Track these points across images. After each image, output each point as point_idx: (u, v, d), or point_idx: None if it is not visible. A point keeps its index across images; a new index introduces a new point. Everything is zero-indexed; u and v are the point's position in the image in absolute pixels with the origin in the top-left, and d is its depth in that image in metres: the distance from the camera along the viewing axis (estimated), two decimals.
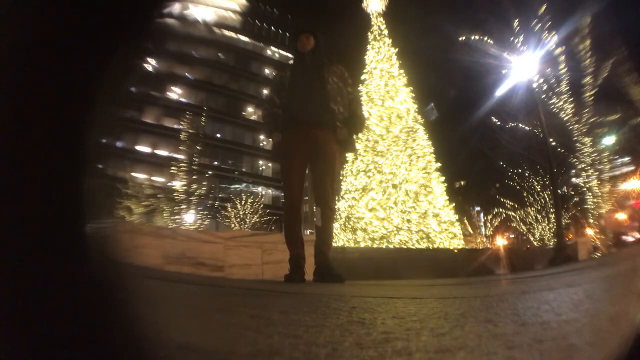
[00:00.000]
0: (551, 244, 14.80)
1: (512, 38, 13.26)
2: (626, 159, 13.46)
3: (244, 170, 32.28)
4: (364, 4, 13.02)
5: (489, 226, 22.71)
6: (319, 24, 3.12)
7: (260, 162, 33.54)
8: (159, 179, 21.22)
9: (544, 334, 0.66)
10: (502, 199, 19.26)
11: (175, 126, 23.48)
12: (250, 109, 33.90)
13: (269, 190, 31.93)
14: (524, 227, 18.45)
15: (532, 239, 18.05)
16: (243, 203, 23.66)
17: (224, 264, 4.12)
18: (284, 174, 2.89)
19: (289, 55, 34.75)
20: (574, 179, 15.20)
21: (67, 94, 0.53)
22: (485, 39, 13.71)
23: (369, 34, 12.61)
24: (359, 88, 11.57)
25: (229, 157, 31.26)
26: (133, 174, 21.17)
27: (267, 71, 34.55)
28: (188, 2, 28.88)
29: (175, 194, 18.53)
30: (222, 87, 32.30)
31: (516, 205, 18.47)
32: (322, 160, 2.78)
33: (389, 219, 10.02)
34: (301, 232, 2.89)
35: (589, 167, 13.60)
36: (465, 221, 19.87)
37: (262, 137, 33.06)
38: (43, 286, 0.48)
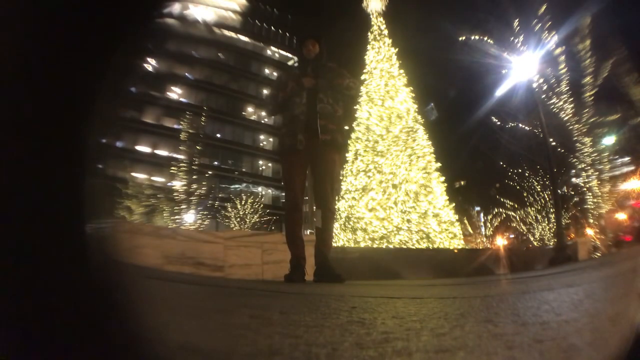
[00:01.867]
0: (551, 244, 14.80)
1: (512, 38, 13.29)
2: (626, 159, 13.47)
3: (244, 170, 32.29)
4: (364, 4, 13.03)
5: (489, 226, 22.73)
6: (324, 29, 3.16)
7: (260, 162, 33.55)
8: (159, 179, 21.23)
9: (544, 334, 0.66)
10: (502, 199, 19.29)
11: (175, 126, 23.51)
12: (250, 109, 33.92)
13: (269, 190, 31.94)
14: (524, 227, 18.46)
15: (532, 239, 18.06)
16: (243, 203, 23.67)
17: (224, 264, 4.12)
18: (285, 175, 2.94)
19: (289, 55, 34.79)
20: (574, 179, 15.21)
21: (67, 94, 0.53)
22: (485, 39, 13.72)
23: (369, 34, 12.62)
24: (360, 93, 11.57)
25: (229, 157, 31.28)
26: (133, 174, 21.18)
27: (267, 71, 34.55)
28: (188, 2, 28.89)
29: (175, 194, 18.54)
30: (222, 87, 32.31)
31: (516, 205, 18.49)
32: (322, 163, 2.85)
33: (389, 219, 10.02)
34: (302, 233, 2.92)
35: (589, 167, 13.61)
36: (465, 221, 19.88)
37: (262, 136, 33.13)
38: (43, 286, 0.48)
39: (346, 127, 3.18)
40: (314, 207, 2.95)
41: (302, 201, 2.94)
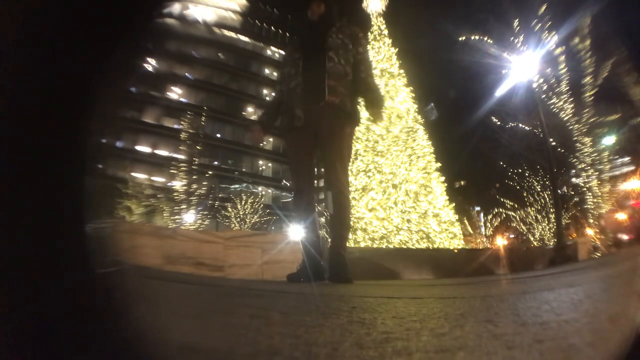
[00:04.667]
0: (551, 244, 14.80)
1: (512, 38, 13.27)
2: (626, 159, 13.45)
3: (244, 170, 32.27)
4: (364, 4, 13.04)
5: (489, 226, 22.71)
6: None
7: (260, 162, 33.54)
8: (159, 179, 21.23)
9: (544, 334, 0.66)
10: (502, 199, 19.28)
11: (175, 126, 23.51)
12: (250, 109, 33.92)
13: (269, 190, 31.93)
14: (524, 227, 18.44)
15: (532, 239, 18.05)
16: (243, 203, 23.65)
17: (224, 264, 4.12)
18: (288, 159, 2.67)
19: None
20: (574, 179, 15.19)
21: (66, 93, 0.53)
22: (485, 39, 13.72)
23: (369, 34, 12.62)
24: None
25: (229, 157, 31.25)
26: (133, 174, 21.19)
27: (267, 71, 34.56)
28: (188, 2, 28.89)
29: (175, 194, 18.54)
30: (222, 87, 32.30)
31: (516, 205, 18.48)
32: (330, 133, 2.49)
33: (389, 219, 10.02)
34: (316, 226, 2.59)
35: (589, 167, 13.60)
36: (465, 221, 19.87)
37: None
38: (43, 286, 0.48)
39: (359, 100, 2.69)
40: (326, 193, 2.53)
41: (310, 185, 2.58)
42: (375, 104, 2.65)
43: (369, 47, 12.20)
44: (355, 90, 2.60)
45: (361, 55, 2.65)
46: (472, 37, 13.99)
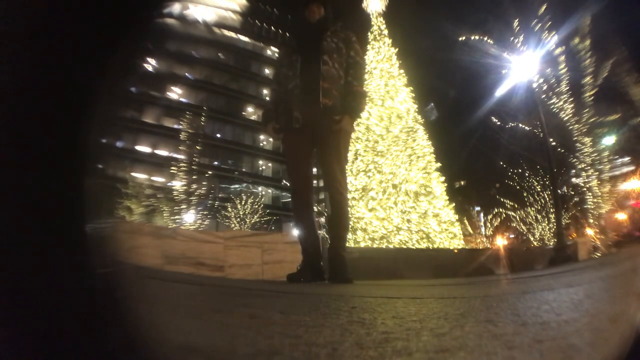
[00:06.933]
0: (551, 244, 14.79)
1: (512, 38, 13.26)
2: (626, 159, 13.44)
3: (244, 170, 32.26)
4: (364, 4, 13.04)
5: (489, 226, 22.71)
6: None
7: (260, 162, 33.55)
8: (159, 179, 21.21)
9: (544, 334, 0.66)
10: (502, 199, 19.29)
11: (175, 126, 23.49)
12: (250, 109, 33.92)
13: (269, 190, 31.93)
14: (524, 227, 18.45)
15: (532, 239, 18.05)
16: (243, 203, 23.65)
17: (224, 264, 4.12)
18: (286, 159, 2.69)
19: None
20: (574, 179, 15.18)
21: (67, 93, 0.53)
22: (485, 39, 13.72)
23: (369, 34, 12.63)
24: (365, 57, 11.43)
25: (229, 157, 31.24)
26: (133, 174, 21.18)
27: (267, 71, 34.56)
28: (188, 2, 28.89)
29: (175, 194, 18.52)
30: (222, 87, 32.30)
31: (516, 205, 18.49)
32: (326, 136, 2.52)
33: (389, 219, 10.01)
34: (312, 224, 2.61)
35: (589, 167, 13.59)
36: (465, 221, 19.86)
37: (262, 136, 33.12)
38: (43, 287, 0.48)
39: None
40: (324, 193, 2.59)
41: (309, 186, 2.61)
42: (349, 109, 2.59)
43: (367, 46, 12.26)
44: (343, 101, 2.60)
45: (352, 59, 2.70)
46: (472, 37, 13.99)
